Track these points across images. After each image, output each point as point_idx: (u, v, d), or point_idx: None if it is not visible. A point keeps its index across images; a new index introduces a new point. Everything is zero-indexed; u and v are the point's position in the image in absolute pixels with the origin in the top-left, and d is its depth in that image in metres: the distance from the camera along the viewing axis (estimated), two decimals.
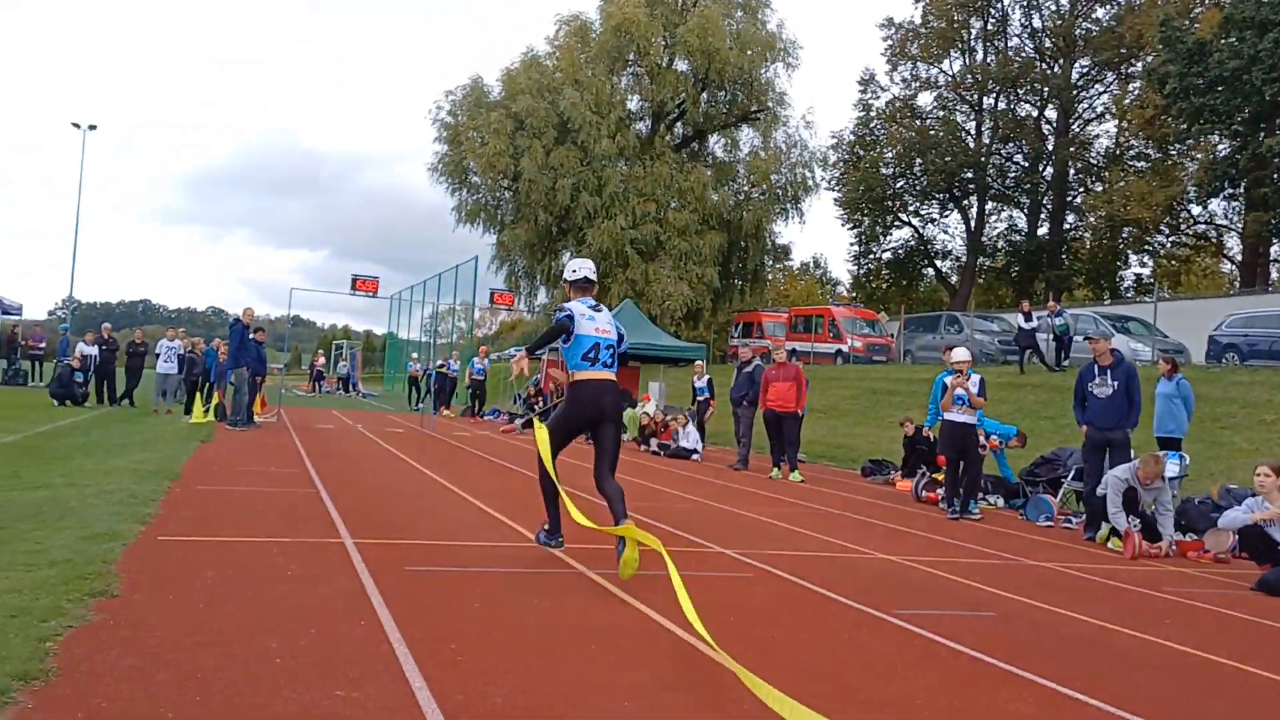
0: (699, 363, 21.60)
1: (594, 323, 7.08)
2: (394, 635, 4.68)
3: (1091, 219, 46.76)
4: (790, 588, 6.66)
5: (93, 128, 43.07)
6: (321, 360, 48.52)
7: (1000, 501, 13.32)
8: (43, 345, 32.58)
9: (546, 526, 7.29)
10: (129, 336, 26.98)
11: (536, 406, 27.39)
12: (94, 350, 23.42)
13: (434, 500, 9.89)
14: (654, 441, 19.37)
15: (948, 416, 11.89)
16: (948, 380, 11.98)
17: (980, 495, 13.04)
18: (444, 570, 6.35)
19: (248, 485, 9.96)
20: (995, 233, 52.78)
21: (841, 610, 6.04)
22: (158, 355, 22.36)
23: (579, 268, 7.49)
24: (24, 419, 16.92)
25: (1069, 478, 12.81)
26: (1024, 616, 6.29)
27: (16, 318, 32.37)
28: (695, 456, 18.23)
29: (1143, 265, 48.84)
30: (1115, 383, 11.11)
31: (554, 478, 6.84)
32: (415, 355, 35.64)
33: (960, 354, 12.14)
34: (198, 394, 20.27)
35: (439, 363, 30.70)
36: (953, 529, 10.75)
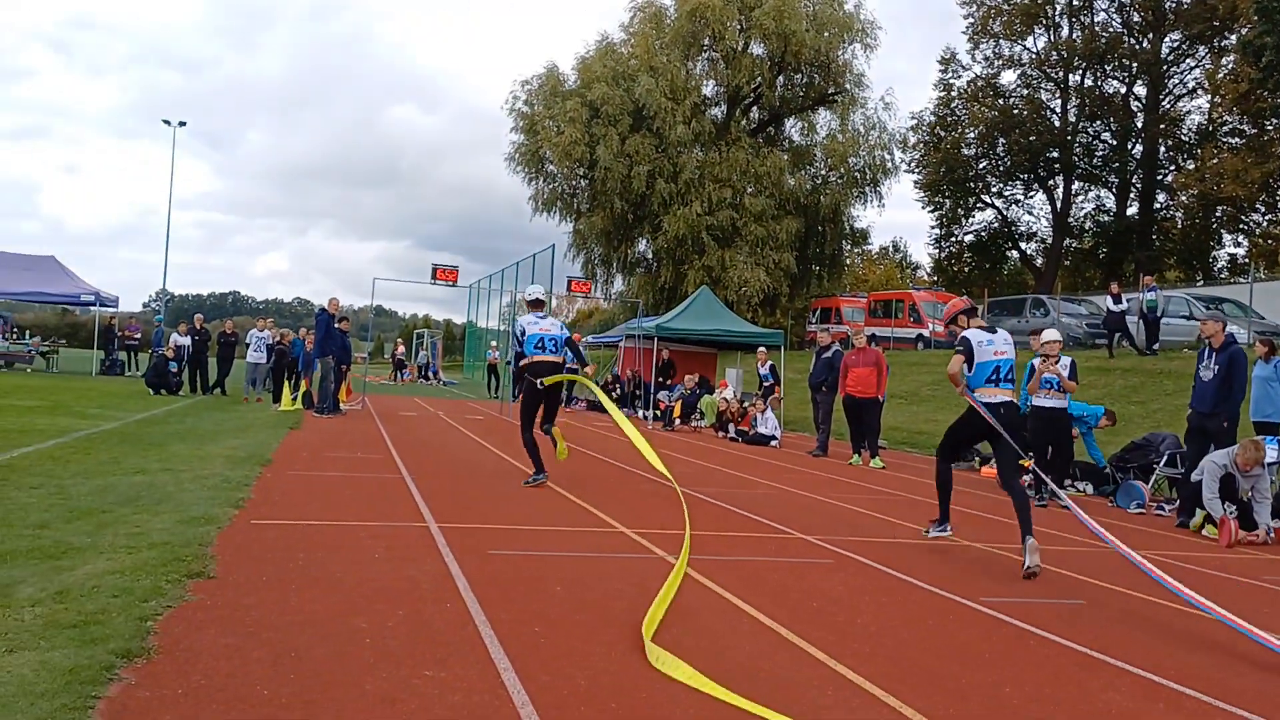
0: (761, 350, 21.47)
1: (539, 325, 10.36)
2: (479, 617, 4.75)
3: (1183, 198, 45.29)
4: (872, 574, 6.60)
5: (182, 124, 44.37)
6: (401, 349, 49.24)
7: (1089, 488, 13.01)
8: (138, 336, 33.65)
9: (532, 471, 10.21)
10: (220, 327, 27.73)
11: (614, 393, 27.53)
12: (187, 340, 24.13)
13: (513, 485, 9.99)
14: (732, 428, 19.31)
15: (1036, 402, 11.64)
16: (1036, 363, 11.73)
17: (1069, 482, 12.79)
18: (526, 554, 6.42)
19: (336, 471, 10.18)
20: (1082, 213, 51.44)
21: (925, 597, 5.96)
22: (248, 345, 22.97)
23: (531, 291, 11.16)
24: (122, 407, 17.50)
25: (1161, 463, 12.47)
26: (1115, 604, 6.15)
27: (114, 310, 33.42)
28: (774, 443, 18.14)
29: (1237, 245, 47.19)
30: (1217, 366, 10.77)
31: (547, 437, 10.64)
32: (494, 344, 36.01)
33: (1050, 335, 11.86)
34: (285, 383, 20.74)
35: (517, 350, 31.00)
36: (1039, 517, 10.53)
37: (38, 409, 15.70)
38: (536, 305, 10.81)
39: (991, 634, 5.15)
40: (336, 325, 18.63)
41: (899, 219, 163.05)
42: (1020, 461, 7.35)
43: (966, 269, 55.15)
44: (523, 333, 10.38)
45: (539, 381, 10.02)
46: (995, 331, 7.62)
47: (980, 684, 4.24)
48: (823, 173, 45.75)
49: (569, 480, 10.70)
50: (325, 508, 7.79)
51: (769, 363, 21.14)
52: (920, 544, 8.01)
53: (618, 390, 27.81)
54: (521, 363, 10.36)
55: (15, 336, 33.40)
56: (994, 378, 7.53)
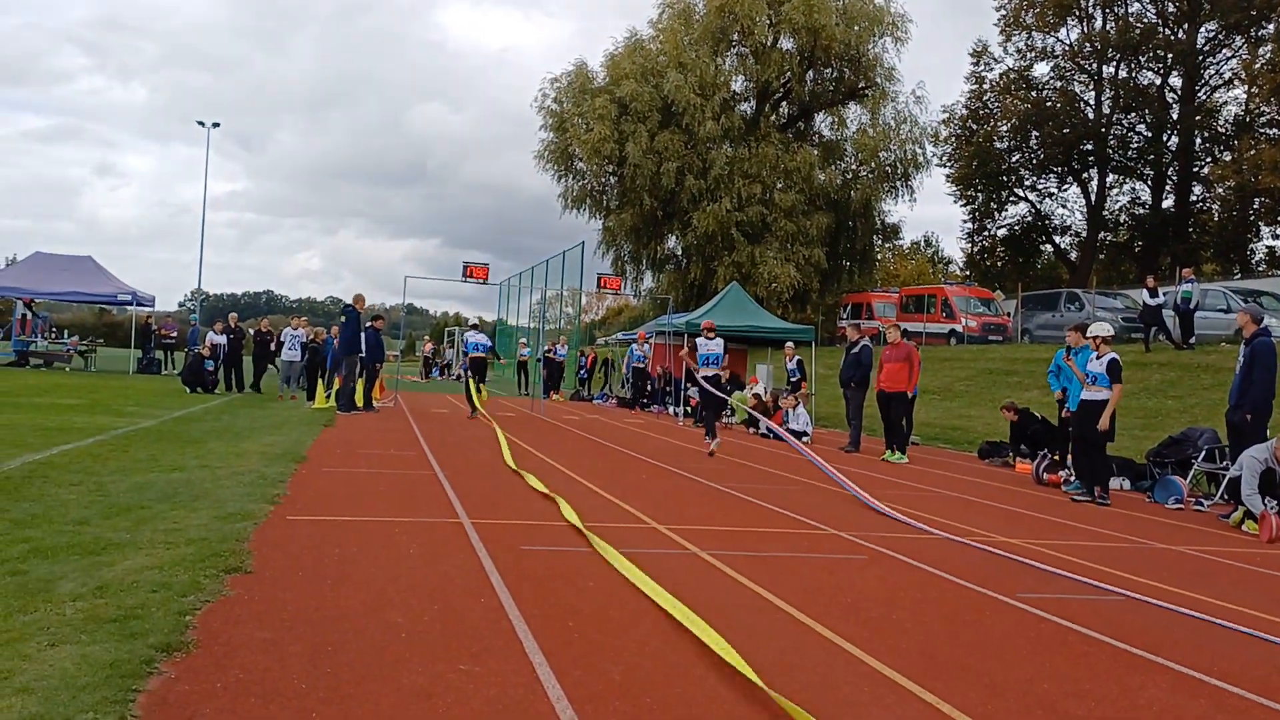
0: (789, 345, 21.38)
1: (475, 337, 20.14)
2: (513, 612, 4.77)
3: (1220, 190, 44.67)
4: (906, 570, 6.56)
5: (216, 125, 44.75)
6: (430, 347, 49.43)
7: (1126, 484, 12.86)
8: (174, 335, 34.01)
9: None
10: (255, 325, 27.96)
11: (644, 390, 27.52)
12: (222, 339, 24.37)
13: (545, 481, 10.00)
14: (763, 424, 19.24)
15: (1082, 395, 11.52)
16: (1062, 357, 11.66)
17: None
18: (558, 550, 6.44)
19: (369, 468, 10.25)
20: (1117, 206, 50.83)
21: (961, 593, 5.92)
22: (282, 343, 23.17)
23: (470, 319, 21.86)
24: (159, 405, 17.70)
25: (1199, 459, 12.31)
26: (1155, 601, 6.07)
27: (150, 309, 33.84)
28: (806, 438, 18.06)
29: (1276, 237, 46.50)
30: (1243, 358, 10.63)
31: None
32: (524, 341, 36.10)
33: (1095, 330, 11.67)
34: (319, 381, 20.89)
35: (546, 348, 31.07)
36: (1076, 512, 10.43)
37: (76, 407, 15.92)
38: (475, 328, 19.54)
39: (1028, 630, 5.10)
40: (371, 324, 18.74)
41: (931, 213, 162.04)
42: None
43: (999, 263, 54.69)
44: (465, 341, 19.18)
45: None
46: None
47: (1017, 680, 4.20)
48: (853, 167, 45.50)
49: (601, 477, 10.71)
50: (359, 504, 7.84)
51: (796, 358, 21.08)
52: (955, 540, 7.94)
53: (648, 388, 27.80)
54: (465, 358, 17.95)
55: (54, 336, 33.85)
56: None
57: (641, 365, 28.17)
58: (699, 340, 15.27)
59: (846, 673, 4.16)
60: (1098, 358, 11.31)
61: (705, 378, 14.78)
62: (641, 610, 4.95)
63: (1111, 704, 3.96)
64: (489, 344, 20.62)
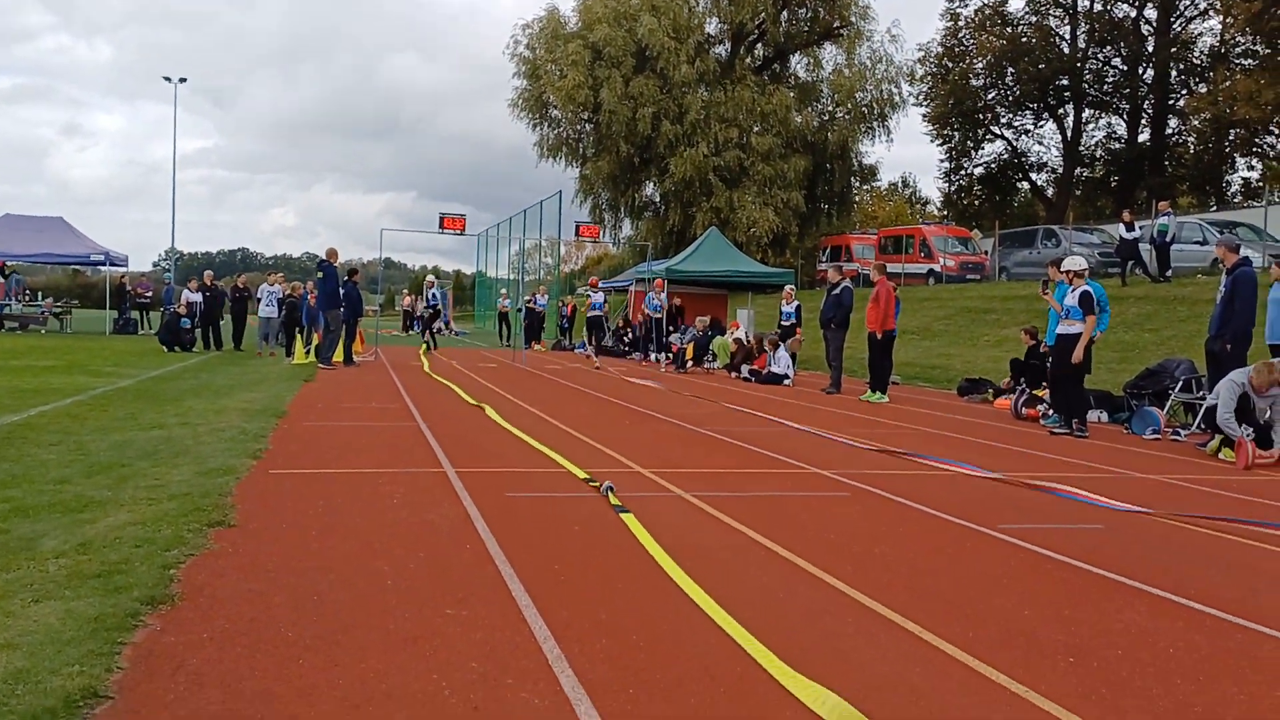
0: (789, 288, 21.34)
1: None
2: (499, 557, 4.79)
3: (1195, 122, 44.61)
4: (889, 506, 6.61)
5: (183, 80, 44.04)
6: (409, 300, 49.06)
7: (1104, 416, 12.97)
8: (150, 294, 33.71)
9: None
10: (231, 282, 27.73)
11: (626, 337, 27.53)
12: (198, 297, 24.15)
13: (529, 429, 10.01)
14: (745, 368, 19.29)
15: (1057, 330, 11.62)
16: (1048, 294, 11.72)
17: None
18: (543, 496, 6.46)
19: (351, 421, 10.23)
20: (1093, 141, 50.78)
21: (943, 526, 5.98)
22: (259, 300, 23.02)
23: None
24: (137, 364, 17.57)
25: (1176, 389, 12.42)
26: (1133, 528, 6.15)
27: (123, 269, 33.51)
28: (787, 382, 18.12)
29: (1251, 168, 46.60)
30: (1224, 288, 10.70)
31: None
32: (504, 291, 35.95)
33: (1068, 264, 11.77)
34: (298, 336, 20.78)
35: (527, 298, 30.97)
36: (1054, 445, 10.53)
37: (53, 369, 15.79)
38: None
39: (1010, 561, 5.16)
40: (348, 278, 18.62)
41: (908, 154, 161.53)
42: None
43: (977, 202, 54.68)
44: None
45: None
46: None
47: (999, 608, 4.26)
48: (830, 109, 45.27)
49: (583, 423, 10.73)
50: (342, 456, 7.83)
51: (795, 302, 21.04)
52: (937, 476, 8.01)
53: (629, 335, 27.79)
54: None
55: (28, 299, 33.47)
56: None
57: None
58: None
59: (830, 606, 4.20)
60: (1072, 291, 11.38)
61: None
62: (629, 553, 4.98)
63: (1089, 628, 4.02)
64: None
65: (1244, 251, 11.58)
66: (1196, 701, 3.27)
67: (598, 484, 6.83)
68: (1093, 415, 12.90)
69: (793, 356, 19.22)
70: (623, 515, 5.77)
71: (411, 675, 3.23)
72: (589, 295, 29.01)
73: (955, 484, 7.65)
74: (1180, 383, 12.42)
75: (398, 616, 3.84)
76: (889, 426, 11.63)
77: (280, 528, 5.26)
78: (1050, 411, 12.51)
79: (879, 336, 15.26)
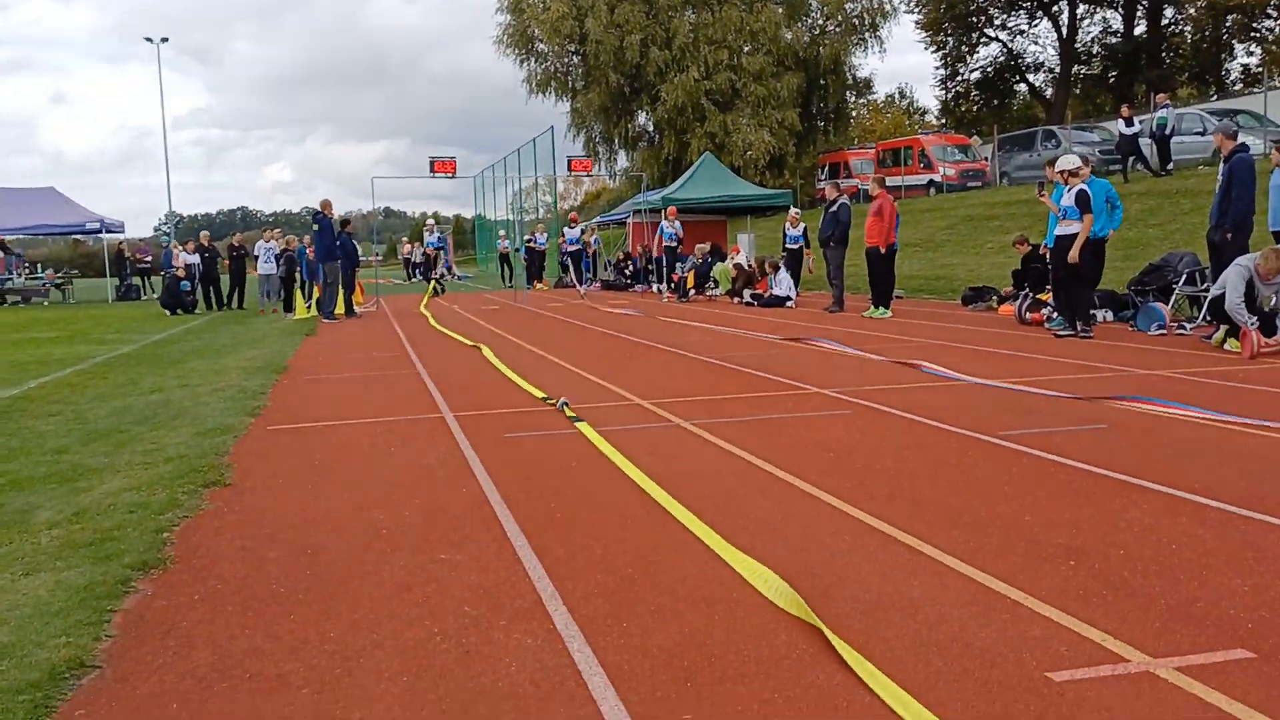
0: (794, 211, 21.03)
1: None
2: (494, 498, 4.75)
3: (1191, 10, 43.71)
4: (891, 420, 6.55)
5: (165, 40, 43.50)
6: (409, 248, 48.76)
7: (1109, 315, 12.84)
8: (149, 259, 33.54)
9: None
10: (228, 241, 27.59)
11: (627, 270, 27.36)
12: (195, 258, 24.04)
13: (530, 369, 9.96)
14: (747, 293, 19.15)
15: (1056, 231, 11.46)
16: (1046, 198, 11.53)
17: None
18: (541, 434, 6.41)
19: (352, 372, 10.18)
20: (1089, 37, 49.74)
21: (945, 438, 5.91)
22: (257, 257, 22.89)
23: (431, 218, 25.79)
24: (139, 330, 17.54)
25: (1180, 283, 12.27)
26: (1137, 426, 6.08)
27: (122, 235, 33.37)
28: (790, 304, 18.00)
29: (1249, 54, 45.69)
30: (1222, 176, 10.50)
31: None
32: (503, 232, 35.72)
33: (1062, 163, 11.59)
34: (297, 291, 20.68)
35: (526, 237, 30.77)
36: (1060, 348, 10.43)
37: (55, 339, 15.78)
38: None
39: (1011, 467, 5.10)
40: (342, 229, 18.46)
41: (903, 64, 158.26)
42: None
43: (975, 108, 53.89)
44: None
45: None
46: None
47: (1000, 515, 4.21)
48: (820, 22, 44.46)
49: (585, 359, 10.67)
50: (341, 408, 7.79)
51: (802, 225, 20.83)
52: (939, 387, 7.94)
53: (630, 267, 27.61)
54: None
55: (29, 272, 33.39)
56: None
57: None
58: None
59: (830, 525, 4.16)
60: (1069, 191, 11.20)
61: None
62: (625, 489, 4.93)
63: (1093, 529, 3.96)
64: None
65: (1243, 138, 11.35)
66: (1200, 596, 3.22)
67: (554, 401, 7.44)
68: (1099, 315, 12.78)
69: (797, 280, 19.08)
70: (578, 425, 6.24)
71: (404, 623, 3.20)
72: (564, 231, 29.40)
73: (958, 394, 7.57)
74: (1184, 276, 12.27)
75: (392, 565, 3.81)
76: (892, 341, 11.53)
77: (276, 484, 5.23)
78: (1054, 314, 12.39)
79: (882, 251, 15.08)
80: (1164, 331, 11.24)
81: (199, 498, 4.94)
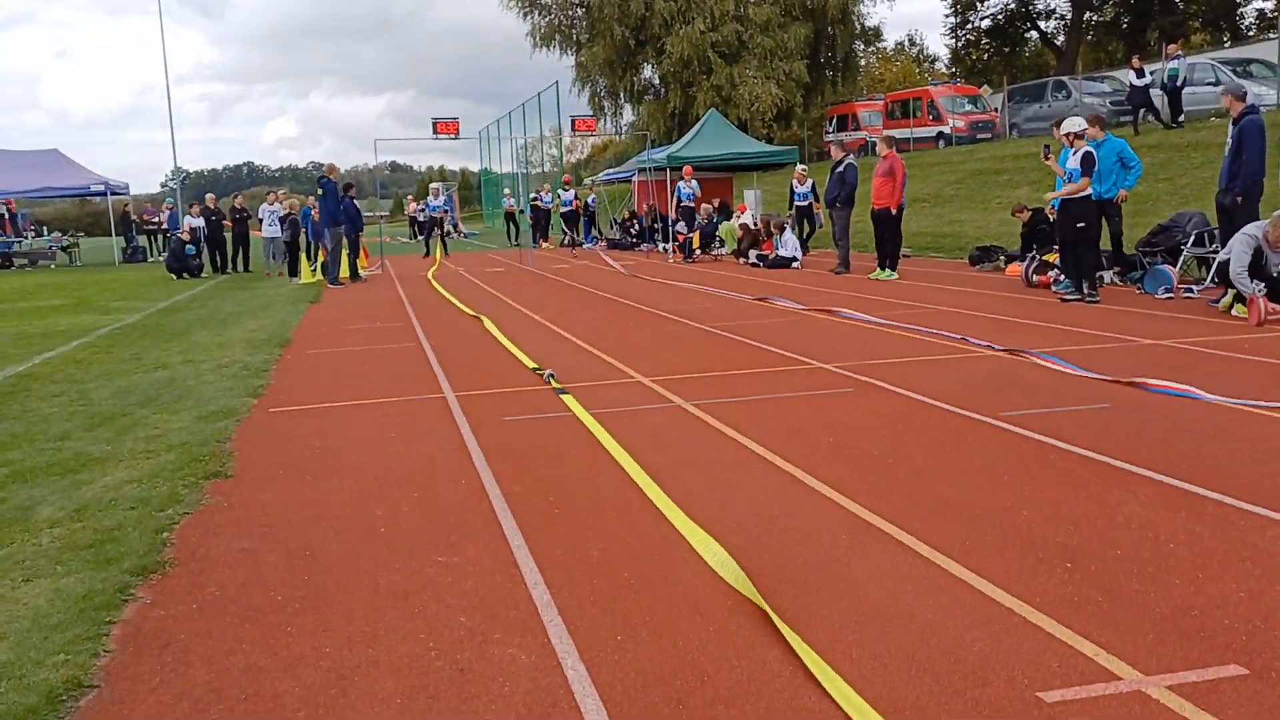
0: (800, 168, 20.81)
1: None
2: (493, 491, 4.75)
3: None
4: (892, 399, 6.52)
5: None
6: (414, 207, 48.56)
7: (1115, 276, 12.72)
8: (157, 220, 33.43)
9: None
10: (230, 204, 27.52)
11: (632, 229, 27.23)
12: (200, 222, 23.97)
13: (532, 342, 9.95)
14: (753, 254, 19.04)
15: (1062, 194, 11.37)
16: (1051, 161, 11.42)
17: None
18: (541, 418, 6.40)
19: (355, 345, 10.18)
20: None
21: (945, 419, 5.89)
22: (261, 220, 22.82)
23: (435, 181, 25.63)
24: (145, 296, 17.55)
25: (1188, 244, 12.15)
26: (1140, 405, 6.04)
27: (126, 195, 33.27)
28: (795, 264, 17.91)
29: None
30: (1232, 139, 10.37)
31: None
32: (508, 190, 35.53)
33: (1067, 125, 11.46)
34: (302, 255, 20.62)
35: (531, 195, 30.63)
36: (1068, 313, 10.37)
37: (61, 308, 15.80)
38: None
39: (1009, 452, 5.08)
40: (345, 193, 18.38)
41: (911, 9, 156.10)
42: None
43: (985, 56, 53.19)
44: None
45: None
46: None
47: (996, 509, 4.20)
48: None
49: (585, 328, 10.64)
50: (343, 387, 7.79)
51: (809, 181, 20.72)
52: (943, 360, 7.90)
53: (636, 226, 27.47)
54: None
55: (35, 233, 33.38)
56: None
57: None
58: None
59: (826, 521, 4.15)
60: (1074, 154, 11.10)
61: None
62: (623, 482, 4.93)
63: (1089, 525, 3.95)
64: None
65: (1255, 88, 11.19)
66: (1195, 604, 3.21)
67: (543, 371, 7.86)
68: (1105, 275, 12.68)
69: (805, 242, 18.96)
70: (563, 397, 6.59)
71: (399, 636, 3.21)
72: (559, 194, 29.68)
73: (960, 367, 7.54)
74: (1192, 237, 12.16)
75: (389, 569, 3.82)
76: (898, 306, 11.47)
77: (276, 475, 5.24)
78: (1061, 277, 12.30)
79: (894, 212, 14.95)
80: (1171, 295, 11.15)
81: (200, 491, 4.95)
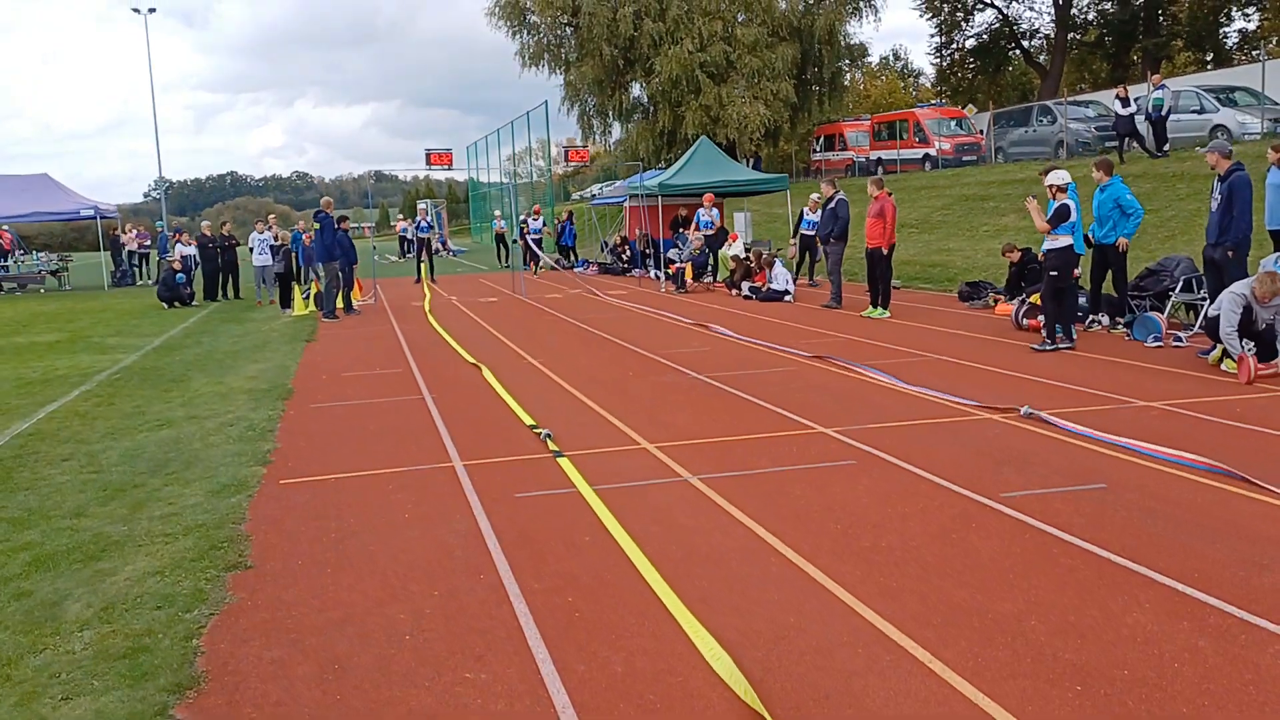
0: (814, 196, 20.51)
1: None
2: (513, 590, 4.86)
3: None
4: (895, 476, 6.66)
5: (152, 10, 43.09)
6: (401, 225, 48.61)
7: (1105, 320, 12.93)
8: (149, 242, 33.37)
9: None
10: (219, 215, 27.51)
11: (624, 255, 27.37)
12: (192, 250, 24.04)
13: (535, 395, 10.06)
14: (745, 286, 19.21)
15: (1055, 244, 11.56)
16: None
17: (1086, 319, 12.77)
18: (551, 494, 6.51)
19: (356, 398, 10.26)
20: (1085, 3, 49.54)
21: (948, 500, 6.03)
22: (251, 249, 22.89)
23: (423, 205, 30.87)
24: (139, 331, 17.59)
25: (1177, 289, 12.37)
26: (1137, 486, 6.20)
27: (114, 218, 33.28)
28: (788, 298, 18.08)
29: (1247, 19, 45.50)
30: (1220, 195, 10.60)
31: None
32: (498, 212, 35.63)
33: (1051, 178, 11.72)
34: (295, 286, 20.68)
35: (521, 219, 30.79)
36: (1057, 365, 10.56)
37: (57, 346, 15.83)
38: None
39: (1014, 545, 5.22)
40: (338, 226, 18.48)
41: (896, 25, 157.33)
42: None
43: (970, 75, 53.66)
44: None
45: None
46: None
47: (1006, 616, 4.33)
48: None
49: (583, 377, 10.74)
50: (350, 453, 7.88)
51: (820, 210, 21.10)
52: (941, 425, 8.05)
53: (627, 253, 27.61)
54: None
55: (23, 251, 33.26)
56: None
57: (538, 236, 30.15)
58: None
59: (842, 631, 4.28)
60: (1055, 204, 11.45)
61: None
62: (639, 580, 5.04)
63: (1097, 639, 4.09)
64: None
65: (1240, 117, 11.43)
66: None
67: (540, 431, 8.14)
68: (1100, 319, 12.89)
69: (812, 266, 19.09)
70: (559, 460, 6.87)
71: None
72: (528, 223, 30.34)
73: (958, 432, 7.69)
74: (1180, 282, 12.38)
75: (418, 686, 3.93)
76: (891, 351, 11.62)
77: (296, 566, 5.34)
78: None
79: (885, 251, 15.15)
80: (1160, 344, 11.35)
81: (222, 586, 5.05)
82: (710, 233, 22.05)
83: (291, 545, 5.69)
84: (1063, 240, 11.46)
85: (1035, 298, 13.22)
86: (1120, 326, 12.56)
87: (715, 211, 22.30)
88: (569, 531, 5.74)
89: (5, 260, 31.48)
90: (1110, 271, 12.60)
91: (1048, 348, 11.38)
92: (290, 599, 4.89)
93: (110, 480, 7.28)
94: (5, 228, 31.45)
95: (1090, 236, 12.52)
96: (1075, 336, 11.60)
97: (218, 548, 5.64)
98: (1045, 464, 6.75)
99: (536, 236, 30.45)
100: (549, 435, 7.95)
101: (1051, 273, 11.49)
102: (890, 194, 15.39)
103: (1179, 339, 11.39)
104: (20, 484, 7.31)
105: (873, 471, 6.77)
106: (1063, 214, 11.38)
